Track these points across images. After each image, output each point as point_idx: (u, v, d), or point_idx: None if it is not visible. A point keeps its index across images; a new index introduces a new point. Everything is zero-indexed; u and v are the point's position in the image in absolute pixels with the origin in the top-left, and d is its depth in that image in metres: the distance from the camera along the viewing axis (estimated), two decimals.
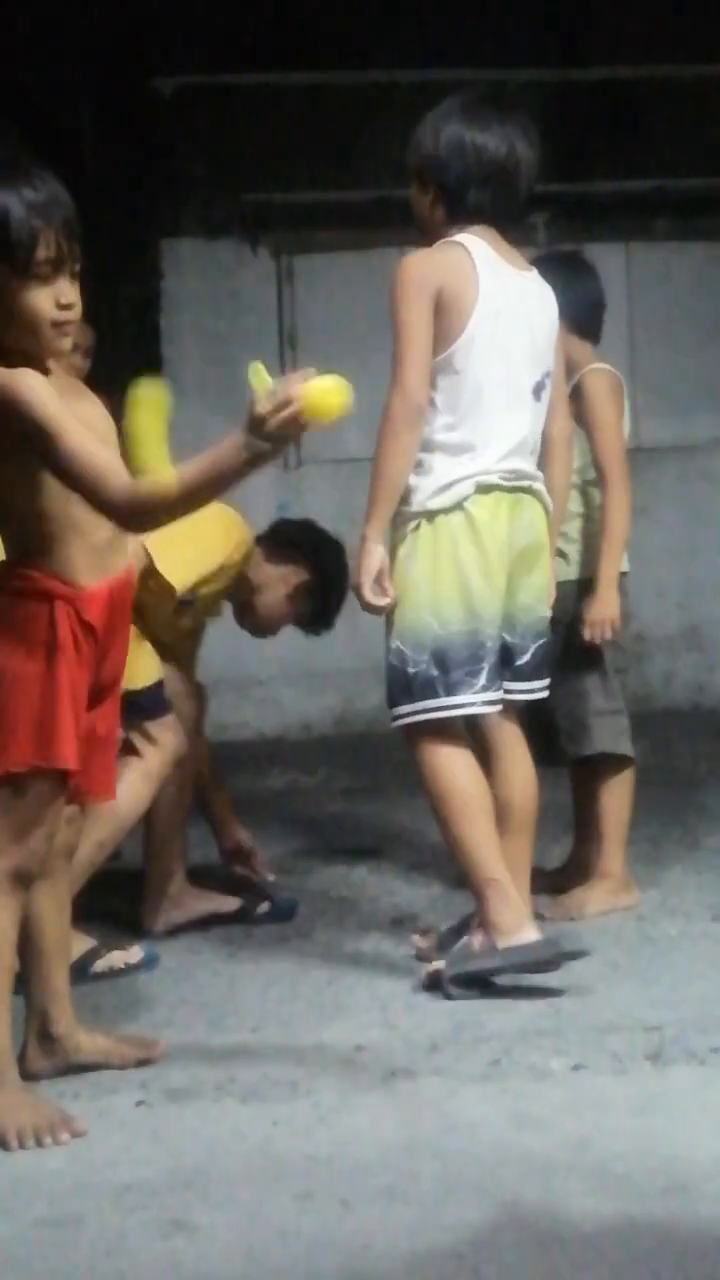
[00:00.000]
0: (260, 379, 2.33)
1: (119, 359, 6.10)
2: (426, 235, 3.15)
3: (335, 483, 6.59)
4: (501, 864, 3.01)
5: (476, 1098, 2.44)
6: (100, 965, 3.23)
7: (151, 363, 6.66)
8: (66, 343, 2.48)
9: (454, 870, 4.17)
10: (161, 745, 3.45)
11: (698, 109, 7.04)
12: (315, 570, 3.82)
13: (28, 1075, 2.58)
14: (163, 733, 3.45)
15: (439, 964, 3.02)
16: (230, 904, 3.69)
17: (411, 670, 3.03)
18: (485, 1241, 1.95)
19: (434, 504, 3.04)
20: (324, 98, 6.90)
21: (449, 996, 2.94)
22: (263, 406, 2.29)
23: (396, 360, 3.06)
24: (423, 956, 3.18)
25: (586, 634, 3.55)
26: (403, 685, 3.05)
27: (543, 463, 3.19)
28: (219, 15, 6.60)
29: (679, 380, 6.94)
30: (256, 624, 3.90)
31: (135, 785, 3.37)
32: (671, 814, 4.82)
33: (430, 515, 3.04)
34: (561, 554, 3.57)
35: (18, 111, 5.94)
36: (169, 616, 3.59)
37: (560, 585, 3.43)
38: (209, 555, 3.54)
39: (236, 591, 3.78)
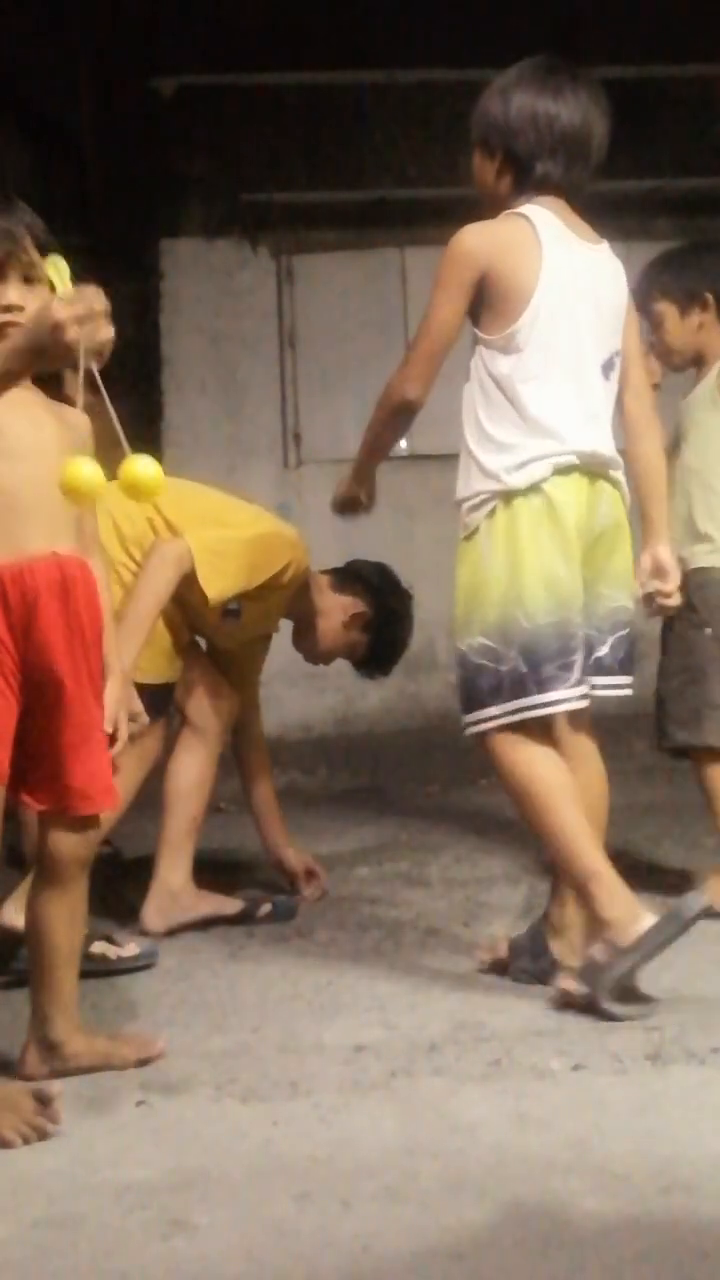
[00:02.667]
0: (60, 274, 2.35)
1: (118, 359, 6.11)
2: (490, 205, 3.02)
3: (335, 483, 6.58)
4: (600, 853, 2.85)
5: (476, 1098, 2.44)
6: (96, 948, 3.23)
7: (152, 363, 6.67)
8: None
9: (454, 870, 4.19)
10: (208, 711, 3.50)
11: (698, 109, 7.05)
12: (377, 607, 3.88)
13: (25, 1078, 2.58)
14: (206, 699, 3.52)
15: (572, 986, 2.84)
16: (232, 906, 3.69)
17: (505, 668, 2.88)
18: (485, 1241, 1.95)
19: (510, 482, 2.88)
20: (324, 98, 6.90)
21: (613, 1018, 2.74)
22: (62, 310, 2.17)
23: (416, 336, 2.97)
24: (487, 968, 3.07)
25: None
26: (492, 685, 2.89)
27: (621, 445, 3.06)
28: (219, 15, 6.61)
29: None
30: (310, 648, 3.96)
31: (181, 754, 3.52)
32: (671, 814, 4.82)
33: (506, 497, 2.89)
34: (708, 538, 3.52)
35: (18, 111, 5.94)
36: (217, 623, 3.62)
37: (705, 572, 3.37)
38: (254, 572, 3.57)
39: (297, 612, 3.82)
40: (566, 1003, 2.85)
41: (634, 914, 2.80)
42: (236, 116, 6.88)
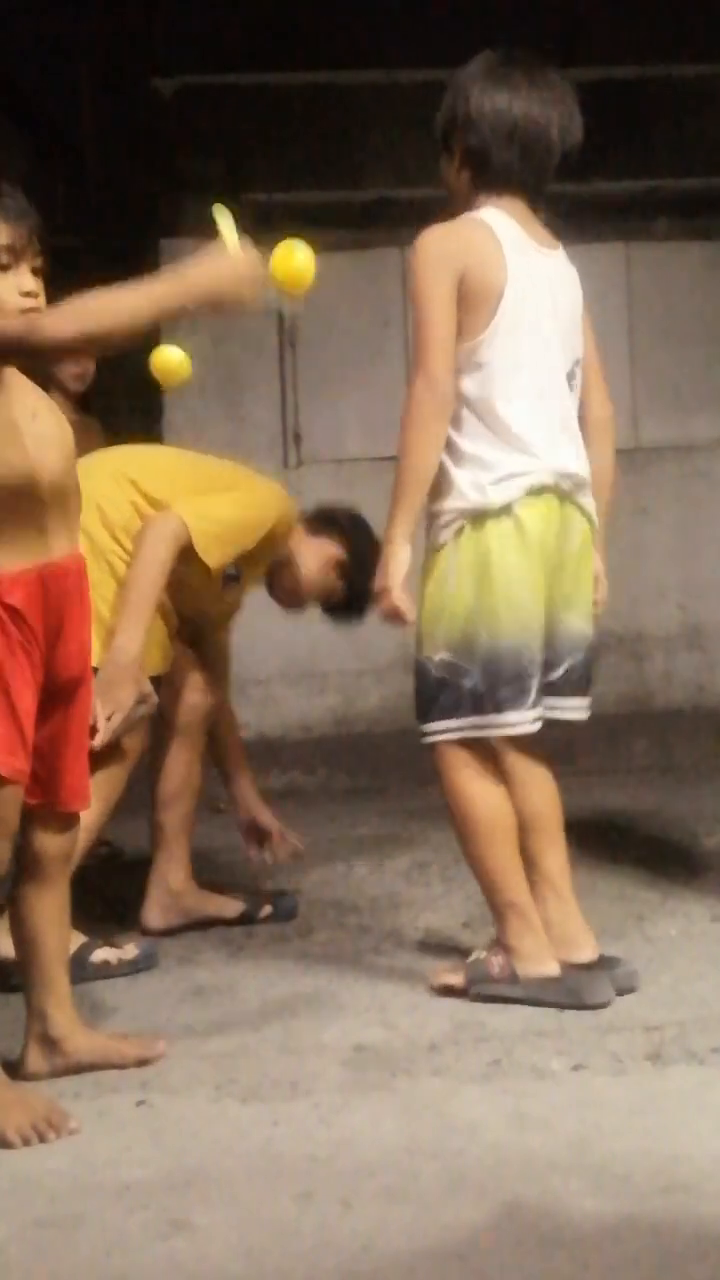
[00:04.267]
0: (227, 223, 2.35)
1: (118, 359, 6.11)
2: (455, 206, 2.98)
3: (335, 483, 6.59)
4: (525, 889, 2.93)
5: (476, 1098, 2.44)
6: (97, 957, 3.23)
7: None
8: None
9: (454, 870, 4.18)
10: (190, 704, 3.54)
11: (698, 109, 7.05)
12: (352, 549, 3.77)
13: (28, 1077, 2.58)
14: (190, 693, 3.54)
15: (454, 979, 2.97)
16: (233, 907, 3.69)
17: (466, 684, 2.89)
18: (485, 1241, 1.95)
19: (478, 501, 2.87)
20: (324, 98, 6.91)
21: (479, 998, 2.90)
22: (251, 264, 2.29)
23: (418, 342, 2.89)
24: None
25: None
26: (452, 700, 2.90)
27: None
28: (219, 15, 6.61)
29: (679, 380, 6.94)
30: (286, 594, 3.85)
31: (175, 750, 3.49)
32: (671, 814, 4.82)
33: (474, 517, 2.88)
34: None
35: (18, 111, 5.94)
36: (218, 592, 3.59)
37: None
38: (248, 532, 3.50)
39: (273, 560, 3.74)
40: (445, 992, 2.96)
41: (540, 956, 2.91)
42: (236, 116, 6.88)
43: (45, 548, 2.46)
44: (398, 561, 2.89)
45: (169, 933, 3.57)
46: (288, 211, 6.87)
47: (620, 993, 2.90)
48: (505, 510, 2.87)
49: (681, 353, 6.96)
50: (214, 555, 3.41)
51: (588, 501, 2.99)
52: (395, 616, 2.91)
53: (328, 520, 3.88)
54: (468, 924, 3.59)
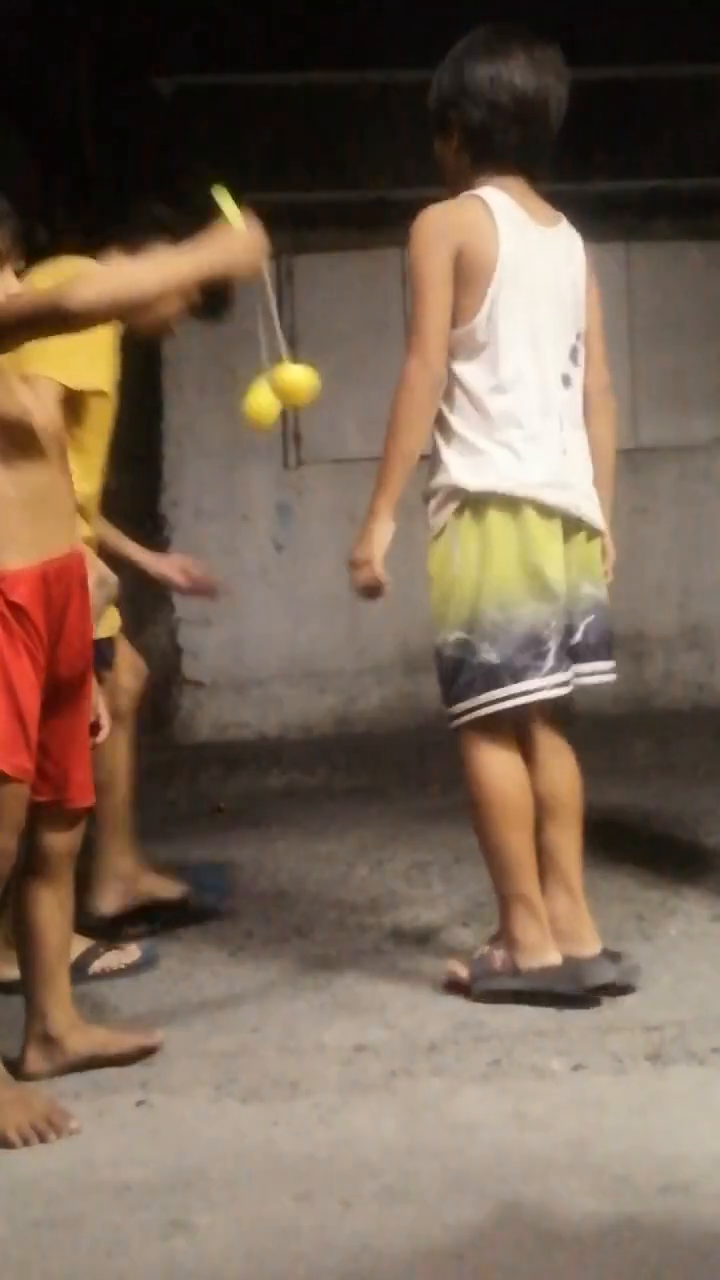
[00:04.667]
0: (229, 203, 2.50)
1: (119, 359, 6.10)
2: (452, 188, 2.97)
3: (335, 482, 6.59)
4: (535, 881, 2.92)
5: (476, 1098, 2.44)
6: (97, 966, 3.23)
7: (152, 363, 6.66)
8: None
9: (454, 870, 4.18)
10: (124, 688, 3.47)
11: (698, 109, 7.04)
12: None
13: (28, 1077, 2.58)
14: (122, 675, 3.47)
15: (463, 972, 2.98)
16: (174, 890, 3.62)
17: (477, 660, 2.87)
18: (485, 1241, 1.95)
19: (474, 484, 2.86)
20: (324, 98, 6.90)
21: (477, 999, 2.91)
22: (245, 230, 2.45)
23: (414, 322, 2.89)
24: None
25: None
26: (469, 677, 2.89)
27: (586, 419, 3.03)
28: (219, 15, 6.60)
29: (679, 380, 6.93)
30: (148, 327, 3.40)
31: (112, 733, 3.30)
32: (671, 814, 4.82)
33: (474, 501, 2.88)
34: None
35: (18, 111, 5.94)
36: (109, 429, 3.36)
37: None
38: (106, 341, 3.21)
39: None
40: (453, 985, 2.97)
41: (543, 948, 2.89)
42: (236, 116, 6.87)
43: (46, 544, 2.47)
44: (380, 533, 2.91)
45: (121, 919, 3.53)
46: (288, 211, 6.88)
47: (620, 988, 2.90)
48: (504, 505, 2.88)
49: (681, 353, 6.95)
50: (98, 377, 3.16)
51: (591, 519, 2.98)
52: (374, 588, 2.93)
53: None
54: (467, 923, 3.59)
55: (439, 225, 2.89)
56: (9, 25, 5.76)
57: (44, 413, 2.51)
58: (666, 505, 6.90)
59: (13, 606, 2.40)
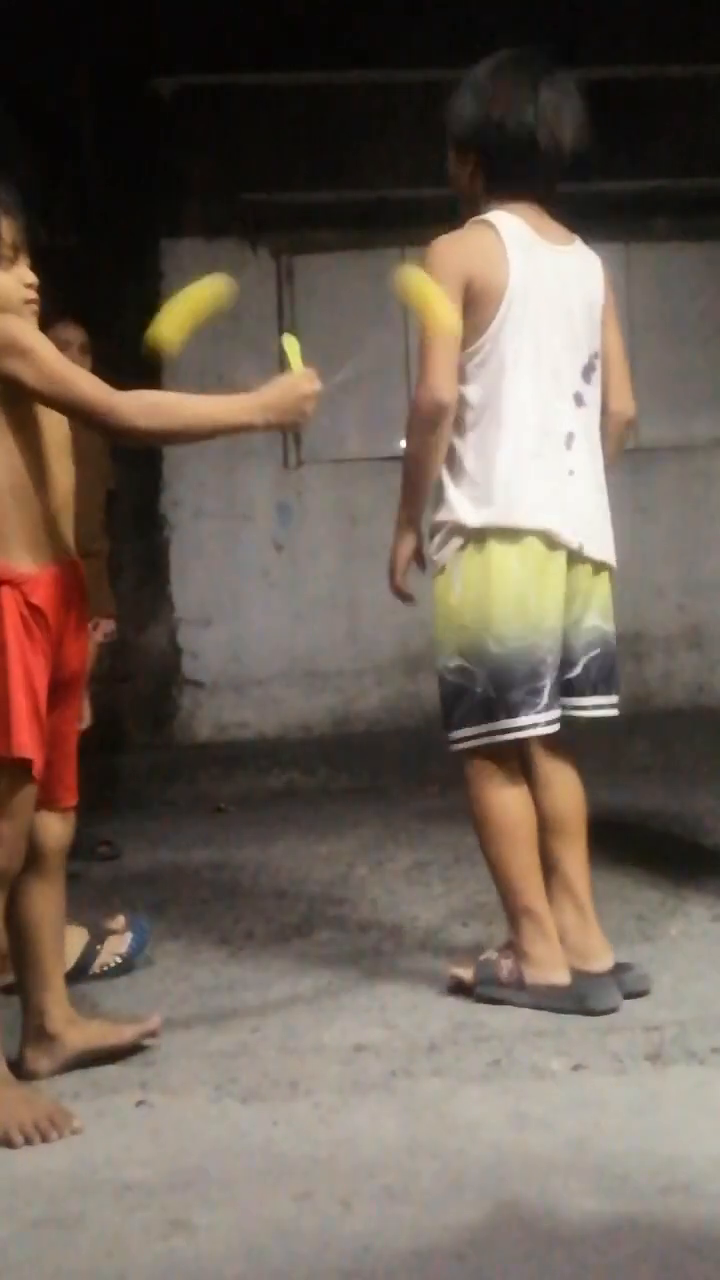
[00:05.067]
0: (294, 353, 2.51)
1: (119, 359, 6.10)
2: (466, 207, 3.00)
3: (335, 482, 6.59)
4: (542, 895, 2.93)
5: (476, 1098, 2.44)
6: (97, 966, 3.23)
7: (152, 363, 6.66)
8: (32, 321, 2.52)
9: (454, 870, 4.19)
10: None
11: (698, 109, 7.04)
12: None
13: (28, 1075, 2.58)
14: None
15: (465, 974, 2.98)
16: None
17: (479, 690, 2.90)
18: (485, 1241, 1.95)
19: (475, 520, 2.89)
20: (324, 98, 6.89)
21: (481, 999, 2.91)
22: (305, 384, 2.47)
23: (424, 355, 2.90)
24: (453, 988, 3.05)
25: None
26: (467, 707, 2.92)
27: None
28: (219, 15, 6.60)
29: (679, 380, 6.93)
30: None
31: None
32: (671, 814, 4.82)
33: (477, 536, 2.90)
34: None
35: (18, 111, 5.94)
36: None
37: None
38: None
39: None
40: (455, 987, 2.97)
41: (552, 963, 2.90)
42: (236, 116, 6.87)
43: (57, 549, 2.53)
44: (400, 549, 3.01)
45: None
46: (288, 211, 6.88)
47: (630, 996, 2.90)
48: (509, 538, 2.89)
49: (681, 353, 6.95)
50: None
51: (603, 559, 2.99)
52: (403, 598, 3.06)
53: None
54: (467, 924, 3.60)
55: (449, 256, 2.90)
56: (9, 26, 5.76)
57: (64, 423, 2.55)
58: (666, 505, 6.90)
59: (32, 608, 2.45)
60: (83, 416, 2.44)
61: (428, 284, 2.76)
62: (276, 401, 2.49)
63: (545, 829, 2.99)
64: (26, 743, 2.42)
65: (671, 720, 6.50)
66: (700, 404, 7.05)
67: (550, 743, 3.01)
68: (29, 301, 2.50)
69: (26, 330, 2.42)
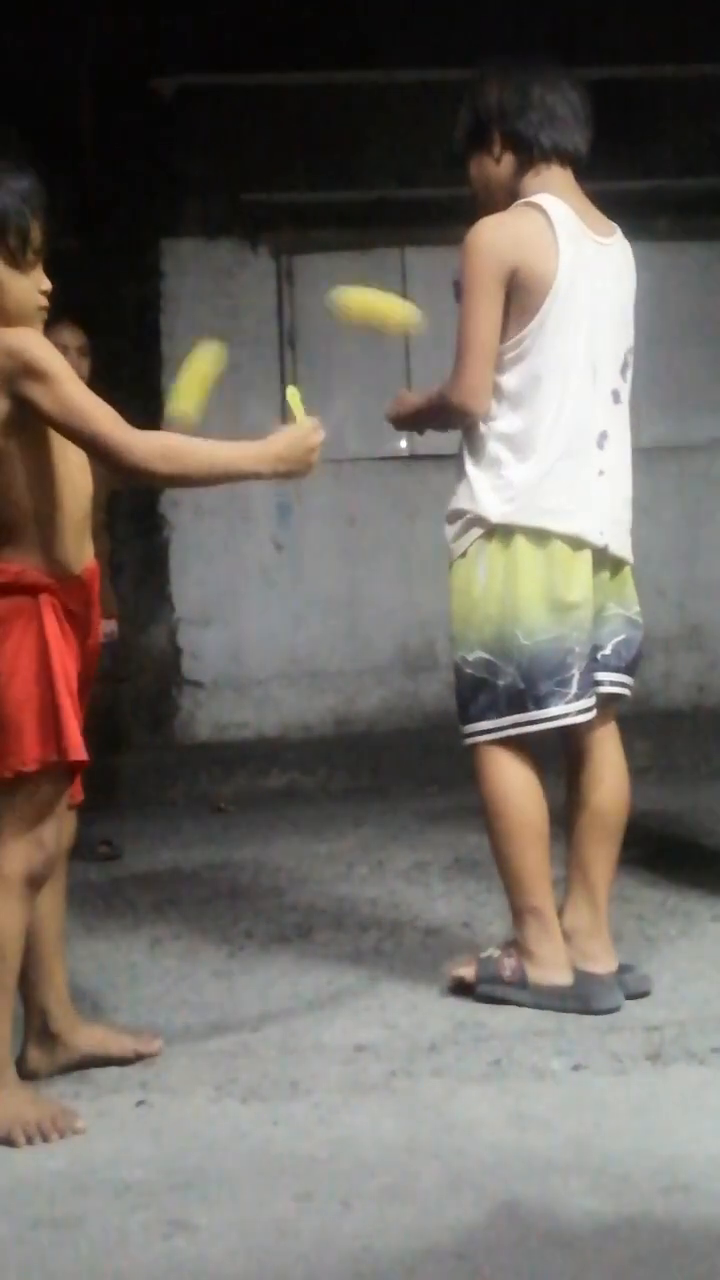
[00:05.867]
0: (297, 404, 2.59)
1: (119, 359, 6.10)
2: (490, 204, 2.93)
3: (335, 482, 6.59)
4: (549, 894, 2.91)
5: (476, 1098, 2.44)
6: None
7: (151, 363, 6.66)
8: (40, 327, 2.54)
9: (454, 870, 4.19)
10: None
11: (698, 109, 7.04)
12: None
13: (29, 1075, 2.58)
14: None
15: (467, 973, 2.96)
16: None
17: (501, 683, 2.87)
18: (485, 1241, 1.95)
19: (499, 515, 2.87)
20: (324, 98, 6.89)
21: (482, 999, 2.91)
22: (312, 436, 2.54)
23: (460, 351, 2.86)
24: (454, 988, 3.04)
25: None
26: (488, 699, 2.89)
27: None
28: (219, 15, 6.60)
29: (679, 380, 6.93)
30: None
31: None
32: (671, 814, 4.82)
33: (503, 531, 2.87)
34: None
35: (18, 111, 5.94)
36: None
37: None
38: None
39: None
40: (456, 986, 2.95)
41: (555, 963, 2.88)
42: (236, 116, 6.87)
43: (84, 555, 2.57)
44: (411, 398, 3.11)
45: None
46: (288, 211, 6.88)
47: (632, 997, 2.90)
48: (526, 530, 2.87)
49: (681, 353, 6.95)
50: None
51: (615, 548, 2.94)
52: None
53: None
54: (468, 924, 3.59)
55: (497, 242, 2.83)
56: (9, 26, 5.76)
57: None
58: (666, 505, 6.90)
59: (69, 614, 2.50)
60: (97, 452, 2.44)
61: (363, 294, 2.78)
62: (285, 453, 2.55)
63: (584, 824, 2.97)
64: (78, 746, 2.46)
65: (671, 720, 6.50)
66: (700, 404, 7.05)
67: (608, 740, 3.00)
68: (41, 308, 2.51)
69: (51, 356, 2.40)
